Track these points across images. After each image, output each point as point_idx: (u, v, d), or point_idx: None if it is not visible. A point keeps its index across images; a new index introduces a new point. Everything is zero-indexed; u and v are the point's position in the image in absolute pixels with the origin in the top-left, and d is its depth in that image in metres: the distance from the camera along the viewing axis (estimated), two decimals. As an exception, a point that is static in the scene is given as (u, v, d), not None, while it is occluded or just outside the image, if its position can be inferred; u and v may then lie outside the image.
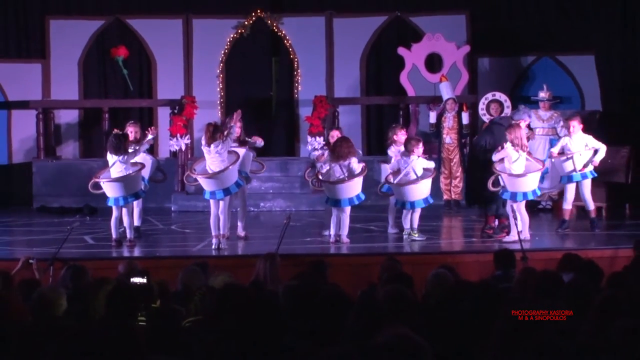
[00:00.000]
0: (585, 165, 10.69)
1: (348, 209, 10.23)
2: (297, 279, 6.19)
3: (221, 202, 9.96)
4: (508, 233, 10.25)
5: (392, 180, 10.42)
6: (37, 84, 15.48)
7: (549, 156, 10.89)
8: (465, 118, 14.09)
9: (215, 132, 9.91)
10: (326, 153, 10.66)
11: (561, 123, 13.02)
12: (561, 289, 5.47)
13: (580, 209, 11.74)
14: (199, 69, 15.72)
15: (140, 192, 10.37)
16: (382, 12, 15.91)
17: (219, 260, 9.14)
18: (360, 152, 12.12)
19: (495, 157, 10.07)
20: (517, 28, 15.60)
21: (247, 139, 10.92)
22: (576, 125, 10.77)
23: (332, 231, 10.27)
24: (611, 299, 4.75)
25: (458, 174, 13.72)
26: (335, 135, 11.00)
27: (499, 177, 10.03)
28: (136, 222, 10.84)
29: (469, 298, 4.80)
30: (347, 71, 15.74)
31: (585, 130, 11.17)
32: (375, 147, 15.45)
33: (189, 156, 14.24)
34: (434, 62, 15.34)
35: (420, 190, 10.22)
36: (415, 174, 10.31)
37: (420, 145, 10.43)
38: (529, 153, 10.42)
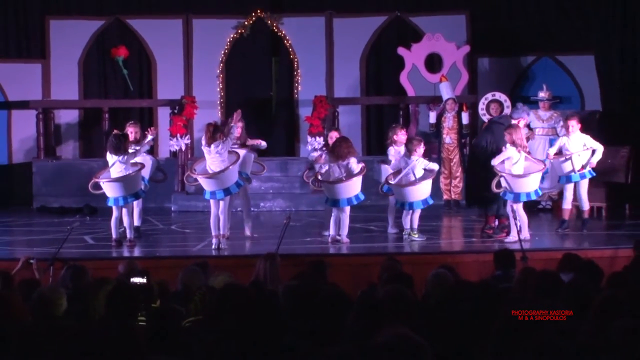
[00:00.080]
0: (583, 166, 10.68)
1: (347, 209, 10.22)
2: (297, 279, 6.19)
3: (221, 202, 9.96)
4: (508, 233, 10.25)
5: (391, 180, 10.42)
6: (37, 84, 15.48)
7: (547, 157, 10.87)
8: (465, 118, 14.09)
9: (215, 132, 9.91)
10: (324, 155, 10.67)
11: (561, 123, 13.01)
12: (561, 289, 5.47)
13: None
14: (199, 69, 15.72)
15: (140, 192, 10.37)
16: (382, 12, 15.92)
17: (219, 260, 9.14)
18: (359, 153, 12.12)
19: (496, 159, 10.06)
20: (517, 28, 15.61)
21: (250, 142, 10.89)
22: (574, 125, 10.77)
23: (332, 231, 10.27)
24: (611, 299, 4.75)
25: (458, 174, 13.72)
26: (334, 136, 11.00)
27: (502, 179, 10.00)
28: (136, 222, 10.84)
29: (469, 298, 4.80)
30: (347, 71, 15.75)
31: (585, 130, 11.17)
32: (375, 147, 15.45)
33: (189, 156, 14.24)
34: (433, 62, 15.34)
35: (420, 192, 10.21)
36: (415, 175, 10.30)
37: (422, 145, 10.45)
38: (529, 153, 10.44)
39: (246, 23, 15.67)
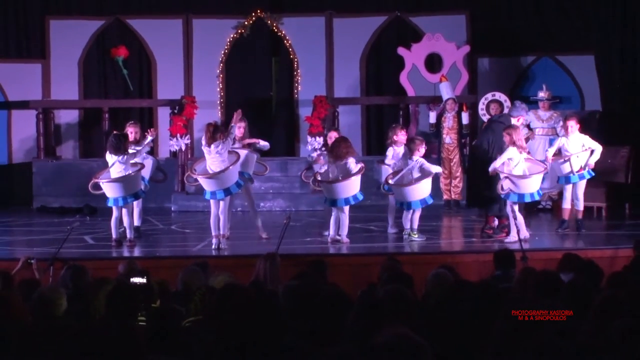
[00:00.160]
0: (582, 167, 10.68)
1: (347, 209, 10.22)
2: (297, 279, 6.19)
3: (221, 202, 9.96)
4: (508, 233, 10.25)
5: (391, 180, 10.43)
6: (37, 84, 15.49)
7: (545, 159, 10.88)
8: (465, 118, 14.10)
9: (215, 132, 9.91)
10: (323, 155, 10.66)
11: (561, 123, 13.02)
12: (561, 289, 5.47)
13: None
14: (199, 69, 15.72)
15: (140, 192, 10.37)
16: (382, 12, 15.92)
17: (219, 260, 9.14)
18: (359, 153, 12.11)
19: (497, 161, 10.03)
20: (517, 28, 15.61)
21: (247, 141, 10.88)
22: (573, 125, 10.75)
23: (332, 231, 10.28)
24: (611, 299, 4.75)
25: (458, 174, 13.72)
26: (333, 136, 11.00)
27: (506, 180, 9.97)
28: (136, 222, 10.84)
29: (469, 298, 4.80)
30: (347, 71, 15.75)
31: (585, 130, 11.17)
32: (375, 147, 15.45)
33: (189, 156, 14.25)
34: (433, 62, 15.35)
35: (418, 191, 10.21)
36: (413, 175, 10.31)
37: (424, 145, 10.47)
38: (528, 153, 10.45)
39: (246, 23, 15.67)
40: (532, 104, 14.00)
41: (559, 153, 10.79)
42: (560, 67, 15.60)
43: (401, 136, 10.87)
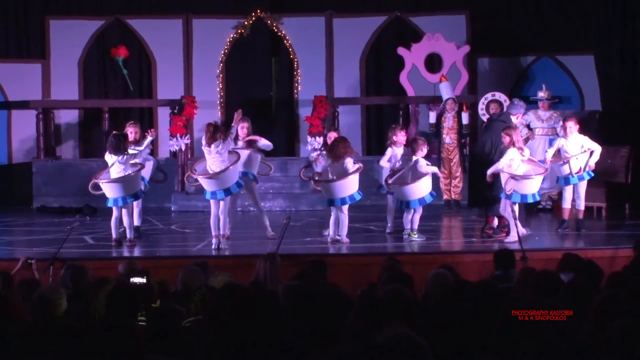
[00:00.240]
0: (581, 168, 10.67)
1: (346, 209, 10.21)
2: (297, 279, 6.19)
3: (221, 202, 9.96)
4: (508, 233, 10.25)
5: (389, 180, 10.45)
6: (37, 84, 15.49)
7: (544, 160, 10.89)
8: (465, 118, 14.09)
9: (215, 132, 9.92)
10: (322, 156, 10.67)
11: (560, 123, 13.01)
12: (561, 289, 5.47)
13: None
14: (199, 69, 15.72)
15: (140, 192, 10.36)
16: (382, 12, 15.92)
17: (219, 260, 9.14)
18: (356, 152, 12.10)
19: (501, 163, 10.01)
20: (517, 28, 15.60)
21: (253, 138, 10.85)
22: (572, 126, 10.73)
23: (331, 231, 10.28)
24: (611, 299, 4.75)
25: (458, 174, 13.72)
26: (332, 136, 11.00)
27: (511, 180, 9.96)
28: (136, 222, 10.83)
29: (469, 298, 4.80)
30: (346, 71, 15.75)
31: (585, 130, 11.16)
32: (375, 147, 15.45)
33: (189, 156, 14.25)
34: (433, 62, 15.35)
35: (416, 191, 10.19)
36: (411, 174, 10.31)
37: (426, 146, 10.49)
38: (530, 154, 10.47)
39: (246, 23, 15.67)
40: (532, 104, 14.00)
41: (558, 154, 10.78)
42: (560, 67, 15.60)
43: (400, 137, 10.86)
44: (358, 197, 10.21)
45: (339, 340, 4.44)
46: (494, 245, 9.69)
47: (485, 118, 13.51)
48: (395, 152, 10.78)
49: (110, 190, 10.09)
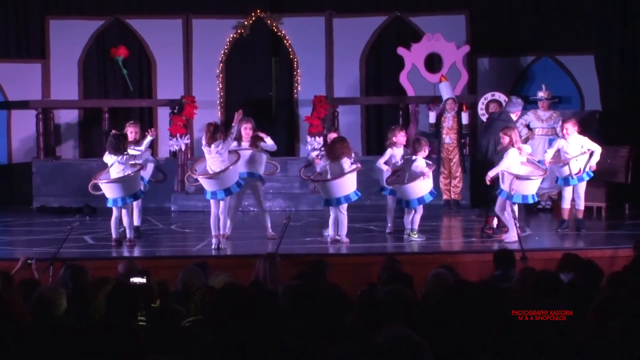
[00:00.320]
0: (581, 169, 10.67)
1: (345, 209, 10.20)
2: (297, 279, 6.19)
3: (221, 202, 9.96)
4: (507, 231, 10.25)
5: (389, 179, 10.46)
6: (37, 84, 15.48)
7: (543, 161, 10.90)
8: (464, 118, 14.09)
9: (215, 132, 9.92)
10: (322, 157, 10.68)
11: (560, 123, 13.01)
12: (561, 289, 5.47)
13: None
14: (199, 69, 15.72)
15: (139, 192, 10.36)
16: (381, 12, 15.91)
17: (219, 260, 9.14)
18: (357, 152, 12.09)
19: (504, 165, 10.00)
20: (517, 28, 15.60)
21: (261, 134, 10.83)
22: (570, 128, 10.72)
23: (331, 232, 10.28)
24: (611, 299, 4.75)
25: (458, 174, 13.72)
26: (332, 137, 11.01)
27: (516, 180, 9.96)
28: (136, 222, 10.83)
29: (469, 298, 4.80)
30: (346, 71, 15.74)
31: (585, 130, 11.16)
32: (375, 147, 15.44)
33: (189, 156, 14.24)
34: (433, 62, 15.34)
35: (414, 190, 10.19)
36: (409, 174, 10.32)
37: (428, 147, 10.50)
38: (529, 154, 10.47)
39: (246, 23, 15.66)
40: (532, 104, 14.00)
41: (557, 155, 10.77)
42: (560, 67, 15.59)
43: (400, 137, 10.87)
44: (354, 198, 10.19)
45: (339, 340, 4.44)
46: (494, 245, 9.69)
47: (485, 118, 13.52)
48: (394, 153, 10.77)
49: (109, 191, 10.09)
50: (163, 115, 15.29)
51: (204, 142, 10.01)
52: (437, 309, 5.21)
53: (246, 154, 10.55)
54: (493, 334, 4.07)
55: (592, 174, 10.75)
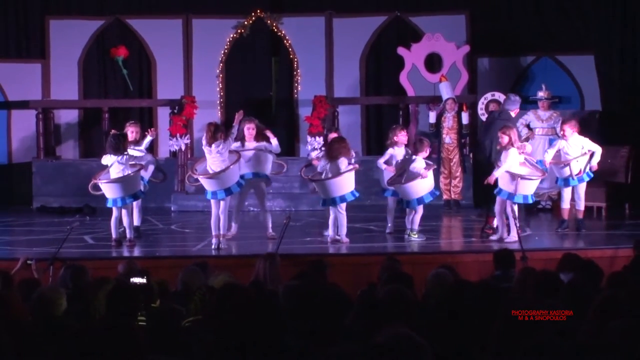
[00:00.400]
0: (581, 170, 10.66)
1: (344, 209, 10.20)
2: (297, 279, 6.19)
3: (222, 202, 9.96)
4: (508, 233, 10.25)
5: (389, 180, 10.47)
6: (37, 84, 15.49)
7: (543, 161, 10.89)
8: (464, 118, 14.09)
9: (216, 132, 9.93)
10: (322, 158, 10.69)
11: (560, 124, 13.00)
12: (561, 289, 5.47)
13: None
14: (199, 69, 15.72)
15: (139, 192, 10.36)
16: (381, 12, 15.91)
17: (219, 260, 9.13)
18: (357, 152, 12.08)
19: (507, 166, 9.99)
20: (517, 28, 15.60)
21: (268, 133, 10.81)
22: (567, 130, 10.71)
23: (331, 232, 10.29)
24: (611, 299, 4.74)
25: (458, 174, 13.72)
26: (332, 137, 11.00)
27: (520, 180, 9.97)
28: (136, 222, 10.83)
29: (469, 298, 4.80)
30: (346, 71, 15.74)
31: (585, 130, 11.16)
32: (375, 147, 15.44)
33: (189, 156, 14.25)
34: (433, 62, 15.34)
35: (413, 190, 10.19)
36: (409, 173, 10.33)
37: (429, 148, 10.52)
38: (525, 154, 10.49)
39: (246, 23, 15.66)
40: (532, 104, 14.00)
41: (558, 155, 10.77)
42: (560, 67, 15.59)
43: (401, 137, 10.87)
44: (350, 198, 10.16)
45: (339, 340, 4.44)
46: (494, 245, 9.69)
47: (484, 118, 13.51)
48: (395, 152, 10.77)
49: (109, 191, 10.09)
50: (163, 115, 15.30)
51: (204, 141, 10.01)
52: (437, 309, 5.20)
53: (250, 154, 10.56)
54: (493, 334, 4.07)
55: (592, 175, 10.75)
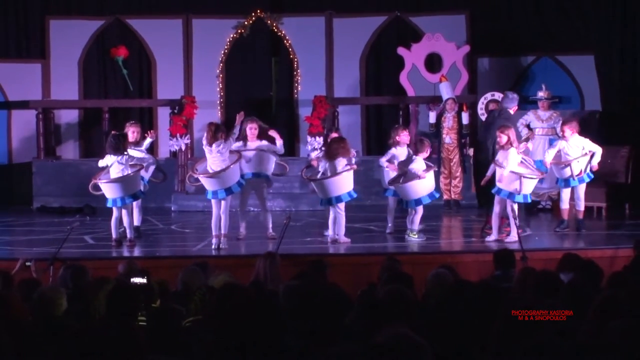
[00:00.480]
0: (582, 170, 10.66)
1: (342, 209, 10.19)
2: (297, 279, 6.19)
3: (222, 202, 9.97)
4: (508, 233, 10.25)
5: (389, 180, 10.48)
6: (37, 84, 15.49)
7: (543, 161, 10.88)
8: (465, 118, 14.09)
9: (217, 132, 9.93)
10: (322, 158, 10.70)
11: (560, 124, 13.00)
12: (561, 289, 5.47)
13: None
14: (199, 69, 15.72)
15: (139, 192, 10.36)
16: (381, 12, 15.91)
17: (219, 260, 9.13)
18: (357, 152, 12.08)
19: (509, 166, 9.98)
20: (517, 28, 15.60)
21: (273, 133, 10.81)
22: (567, 131, 10.71)
23: (331, 231, 10.29)
24: (611, 299, 4.74)
25: (458, 174, 13.72)
26: (333, 137, 11.01)
27: (520, 180, 9.97)
28: (136, 222, 10.83)
29: (469, 298, 4.80)
30: (346, 71, 15.74)
31: (585, 130, 11.15)
32: (375, 147, 15.45)
33: (189, 156, 14.25)
34: (433, 62, 15.34)
35: (412, 190, 10.18)
36: (409, 173, 10.33)
37: (430, 148, 10.53)
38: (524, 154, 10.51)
39: (246, 23, 15.67)
40: (532, 104, 13.99)
41: (558, 156, 10.77)
42: (560, 67, 15.60)
43: (404, 137, 10.86)
44: (347, 199, 10.14)
45: (339, 340, 4.44)
46: (494, 245, 9.68)
47: (484, 118, 13.50)
48: (397, 152, 10.76)
49: (109, 191, 10.09)
50: (163, 115, 15.30)
51: (205, 141, 10.01)
52: (437, 309, 5.20)
53: (251, 154, 10.56)
54: (493, 334, 4.07)
55: (592, 176, 10.75)
